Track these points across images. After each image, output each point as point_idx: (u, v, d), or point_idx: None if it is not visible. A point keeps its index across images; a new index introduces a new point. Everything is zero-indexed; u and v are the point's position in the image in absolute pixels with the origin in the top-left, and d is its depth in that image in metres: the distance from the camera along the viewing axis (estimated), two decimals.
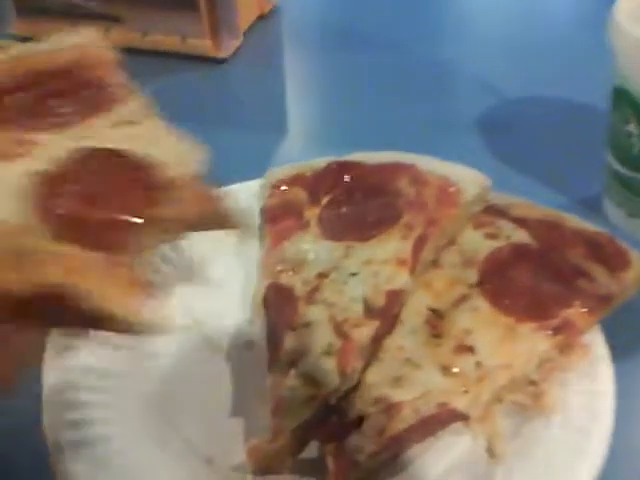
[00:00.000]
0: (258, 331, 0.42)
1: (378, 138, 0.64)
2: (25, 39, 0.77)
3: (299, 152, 0.64)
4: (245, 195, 0.50)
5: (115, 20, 0.75)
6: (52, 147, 0.33)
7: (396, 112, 0.69)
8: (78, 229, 0.29)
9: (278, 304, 0.41)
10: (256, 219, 0.49)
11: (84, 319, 0.28)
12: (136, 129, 0.34)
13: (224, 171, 0.60)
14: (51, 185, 0.31)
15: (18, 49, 0.39)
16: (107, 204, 0.30)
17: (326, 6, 0.93)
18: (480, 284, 0.42)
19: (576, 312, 0.40)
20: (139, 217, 0.30)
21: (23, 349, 0.30)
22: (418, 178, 0.46)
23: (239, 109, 0.72)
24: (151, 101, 0.37)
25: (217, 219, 0.33)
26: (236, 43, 0.78)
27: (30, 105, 0.35)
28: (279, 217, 0.48)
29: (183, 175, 0.32)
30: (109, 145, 0.33)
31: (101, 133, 0.34)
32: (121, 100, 0.36)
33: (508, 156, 0.61)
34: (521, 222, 0.45)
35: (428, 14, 0.89)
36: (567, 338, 0.40)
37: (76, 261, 0.28)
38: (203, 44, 0.75)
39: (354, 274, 0.41)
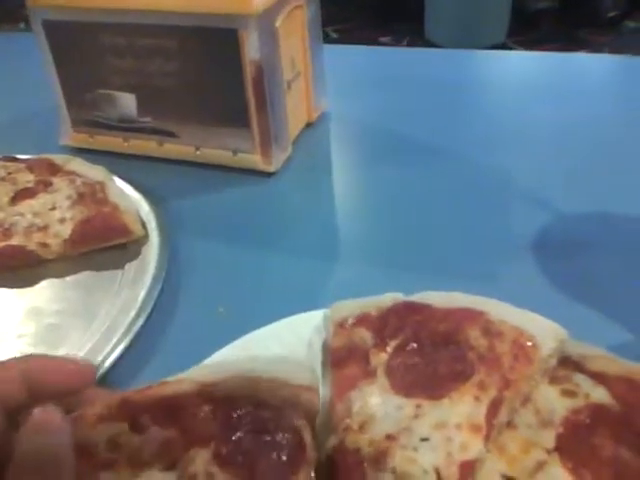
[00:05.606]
0: None
1: (430, 261, 0.62)
2: (81, 150, 0.79)
3: (351, 275, 0.62)
4: (305, 328, 0.51)
5: (169, 135, 0.75)
6: None
7: (449, 229, 0.67)
8: None
9: (345, 468, 0.39)
10: (318, 355, 0.49)
11: None
12: None
13: (275, 294, 0.59)
14: None
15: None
16: None
17: (373, 111, 0.92)
18: (558, 449, 0.40)
19: None
20: None
21: None
22: (490, 328, 0.44)
23: (288, 226, 0.71)
24: None
25: None
26: (285, 155, 0.78)
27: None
28: (344, 361, 0.46)
29: None
30: None
31: None
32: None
33: (570, 287, 0.57)
34: (600, 378, 0.43)
35: (479, 122, 0.87)
36: None
37: None
38: (253, 159, 0.75)
39: (425, 439, 0.39)
